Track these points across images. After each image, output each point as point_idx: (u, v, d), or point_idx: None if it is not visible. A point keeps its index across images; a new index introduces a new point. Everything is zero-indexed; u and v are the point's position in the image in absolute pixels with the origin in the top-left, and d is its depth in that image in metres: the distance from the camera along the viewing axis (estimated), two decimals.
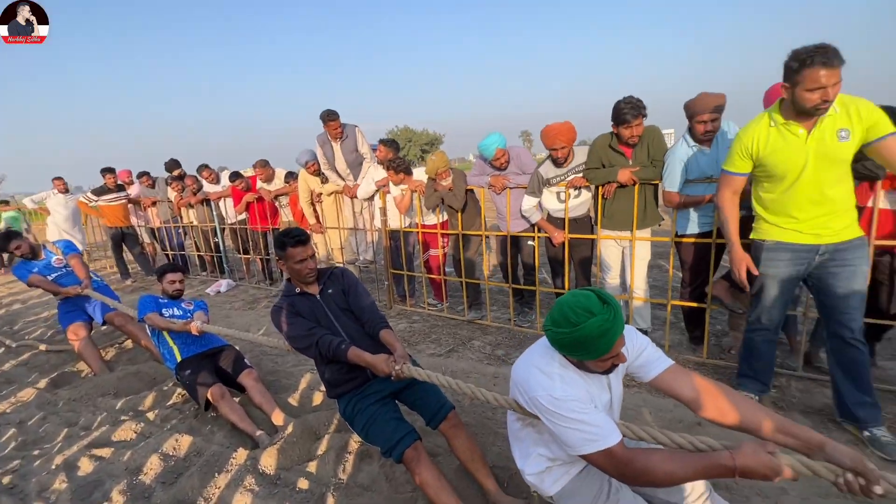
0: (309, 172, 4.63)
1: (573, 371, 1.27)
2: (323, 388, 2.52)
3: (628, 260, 3.08)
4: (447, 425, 1.84)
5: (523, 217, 3.44)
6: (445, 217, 4.02)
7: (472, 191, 3.78)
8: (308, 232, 2.12)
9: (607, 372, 1.25)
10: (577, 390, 1.22)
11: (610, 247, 3.17)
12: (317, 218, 4.87)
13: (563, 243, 3.29)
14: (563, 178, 3.19)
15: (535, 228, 3.43)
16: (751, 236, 2.24)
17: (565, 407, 1.19)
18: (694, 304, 2.92)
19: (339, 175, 4.53)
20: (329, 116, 4.23)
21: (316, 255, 2.07)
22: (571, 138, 3.06)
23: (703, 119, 2.53)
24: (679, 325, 3.29)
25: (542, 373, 1.27)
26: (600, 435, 1.16)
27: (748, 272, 2.17)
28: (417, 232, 4.14)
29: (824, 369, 2.60)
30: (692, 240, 2.79)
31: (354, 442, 2.23)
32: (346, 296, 2.01)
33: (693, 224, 2.78)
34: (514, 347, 3.36)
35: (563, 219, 3.23)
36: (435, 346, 3.51)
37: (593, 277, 3.45)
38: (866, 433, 2.00)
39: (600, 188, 3.01)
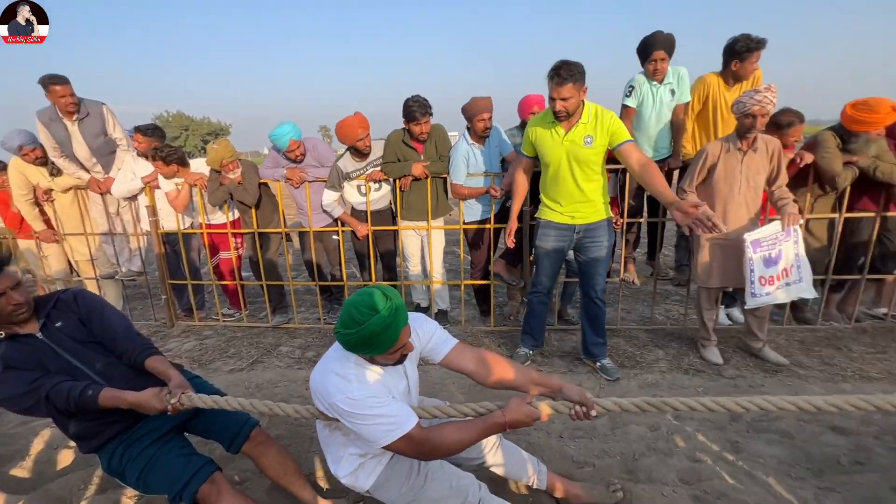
0: (27, 161, 3.43)
1: (369, 368, 1.30)
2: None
3: (427, 248, 3.34)
4: (252, 445, 1.65)
5: (325, 212, 3.34)
6: (237, 215, 3.58)
7: (266, 185, 3.46)
8: (6, 254, 1.55)
9: (399, 362, 1.32)
10: (374, 386, 1.26)
11: (410, 236, 3.37)
12: (47, 223, 3.68)
13: (368, 236, 3.34)
14: (362, 171, 3.22)
15: (339, 223, 3.38)
16: (535, 216, 2.71)
17: (363, 405, 1.22)
18: (481, 282, 3.38)
19: (81, 165, 3.51)
20: (52, 80, 3.11)
21: (23, 282, 1.50)
22: (368, 125, 3.10)
23: (484, 118, 2.91)
24: (472, 302, 3.75)
25: (338, 376, 1.27)
26: (398, 423, 1.23)
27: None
28: (202, 233, 3.56)
29: (571, 321, 3.37)
30: (476, 226, 3.22)
31: (129, 497, 1.80)
32: (87, 325, 1.54)
33: (476, 212, 3.20)
34: (326, 347, 3.25)
35: (366, 212, 3.28)
36: (235, 360, 3.11)
37: (398, 268, 3.62)
38: (598, 364, 2.68)
39: (397, 181, 3.16)
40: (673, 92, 2.94)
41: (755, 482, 1.74)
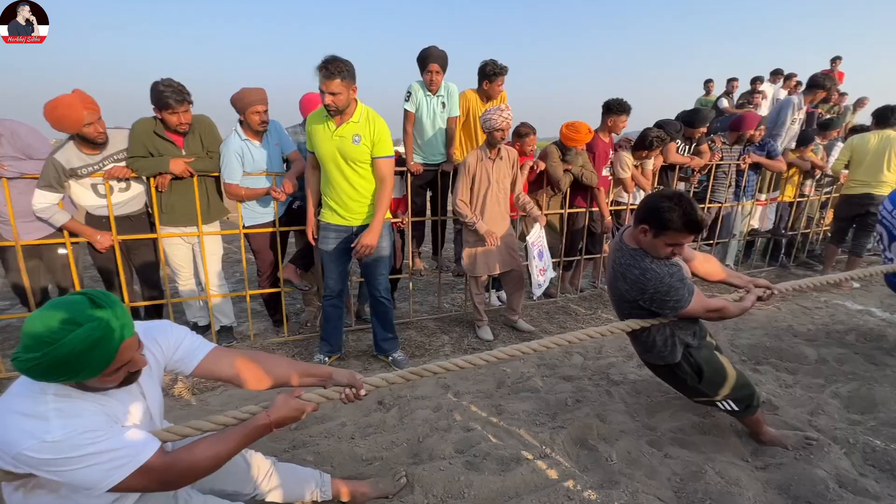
0: None
1: (79, 397, 1.02)
2: None
3: (200, 257, 2.90)
4: None
5: (41, 219, 2.54)
6: None
7: None
8: None
9: (126, 383, 1.08)
10: (88, 419, 1.00)
11: (176, 245, 2.86)
12: None
13: (114, 248, 2.69)
14: (98, 167, 2.56)
15: (66, 232, 2.62)
16: (317, 217, 2.62)
17: (71, 446, 0.95)
18: (270, 290, 3.12)
19: None
20: None
21: None
22: (97, 106, 2.45)
23: (258, 110, 2.65)
24: (264, 313, 3.45)
25: (29, 418, 0.96)
26: (128, 455, 1.02)
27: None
28: None
29: (368, 320, 3.43)
30: (259, 230, 2.95)
31: None
32: None
33: (258, 215, 2.92)
34: None
35: (109, 217, 2.63)
36: None
37: (162, 283, 3.03)
38: (390, 358, 2.80)
39: (152, 180, 2.64)
40: (444, 105, 3.26)
41: (511, 436, 2.08)
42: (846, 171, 4.28)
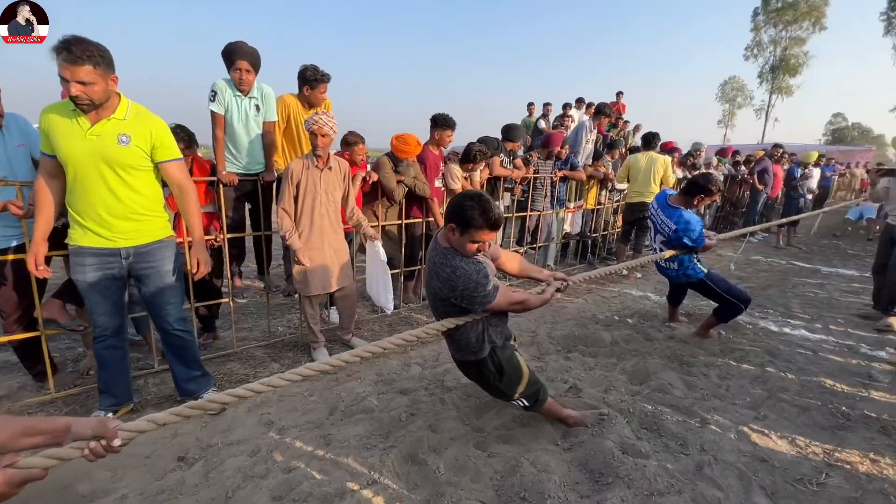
0: None
1: None
2: None
3: None
4: None
5: None
6: None
7: None
8: None
9: None
10: None
11: None
12: None
13: None
14: None
15: None
16: (65, 241, 2.07)
17: None
18: (23, 336, 2.38)
19: None
20: None
21: None
22: None
23: None
24: (18, 366, 2.62)
25: None
26: None
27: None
28: None
29: None
30: None
31: None
32: None
33: None
34: None
35: None
36: None
37: None
38: (200, 399, 2.37)
39: None
40: (258, 108, 2.96)
41: (339, 467, 1.92)
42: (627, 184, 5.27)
